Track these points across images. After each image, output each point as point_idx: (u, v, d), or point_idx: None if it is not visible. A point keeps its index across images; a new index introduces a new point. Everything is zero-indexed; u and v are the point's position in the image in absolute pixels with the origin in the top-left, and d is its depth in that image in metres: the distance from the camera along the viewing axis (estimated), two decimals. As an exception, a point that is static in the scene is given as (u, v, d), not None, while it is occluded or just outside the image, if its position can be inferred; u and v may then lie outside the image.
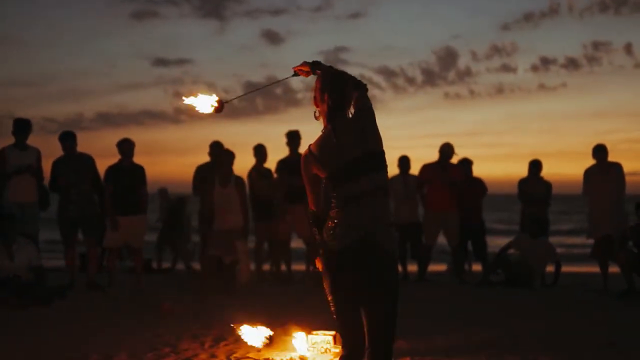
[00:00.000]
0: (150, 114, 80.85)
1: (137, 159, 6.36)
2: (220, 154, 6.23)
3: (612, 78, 69.00)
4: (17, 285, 5.37)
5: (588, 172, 6.80)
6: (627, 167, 6.87)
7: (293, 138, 6.89)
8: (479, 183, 7.42)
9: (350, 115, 2.40)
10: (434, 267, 8.04)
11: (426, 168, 7.18)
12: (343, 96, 2.38)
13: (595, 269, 9.31)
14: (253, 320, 4.05)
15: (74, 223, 6.17)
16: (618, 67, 64.62)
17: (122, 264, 7.71)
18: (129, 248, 6.83)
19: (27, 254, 5.63)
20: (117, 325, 4.63)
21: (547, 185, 7.36)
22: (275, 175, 6.97)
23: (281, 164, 6.97)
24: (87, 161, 6.28)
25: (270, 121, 78.27)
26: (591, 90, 72.57)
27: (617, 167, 6.73)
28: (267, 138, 57.19)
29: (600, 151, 6.73)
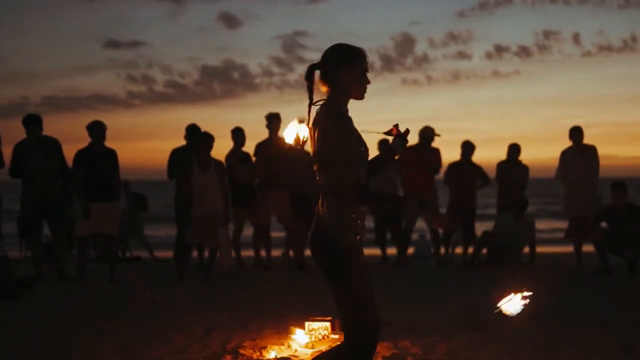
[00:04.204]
0: (102, 98, 78.49)
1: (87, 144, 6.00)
2: (201, 138, 5.99)
3: (562, 66, 71.60)
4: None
5: (564, 154, 6.92)
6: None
7: (273, 121, 6.71)
8: (477, 169, 7.35)
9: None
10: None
11: (405, 151, 7.11)
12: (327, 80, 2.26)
13: (558, 249, 9.74)
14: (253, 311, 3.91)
15: (39, 210, 5.82)
16: (567, 56, 67.10)
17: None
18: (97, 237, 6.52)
19: (-10, 245, 5.28)
20: (97, 317, 4.39)
21: (525, 168, 7.45)
22: (254, 159, 6.79)
23: (260, 147, 6.79)
24: (53, 145, 5.92)
25: (228, 106, 77.37)
26: (542, 78, 74.99)
27: (592, 149, 6.87)
28: (225, 123, 56.48)
29: (576, 133, 6.85)
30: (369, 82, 2.30)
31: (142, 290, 5.21)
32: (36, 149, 5.80)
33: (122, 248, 9.08)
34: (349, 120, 2.25)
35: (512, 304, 2.45)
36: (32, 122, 5.83)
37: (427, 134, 7.10)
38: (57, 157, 5.89)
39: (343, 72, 2.24)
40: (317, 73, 2.28)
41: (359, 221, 2.26)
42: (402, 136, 2.35)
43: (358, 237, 2.27)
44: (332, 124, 2.20)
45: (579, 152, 6.82)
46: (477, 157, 7.39)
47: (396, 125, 2.36)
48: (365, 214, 2.30)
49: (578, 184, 6.79)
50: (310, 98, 2.28)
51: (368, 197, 2.26)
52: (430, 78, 72.46)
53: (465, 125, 72.57)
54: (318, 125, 2.24)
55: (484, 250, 7.09)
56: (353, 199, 2.20)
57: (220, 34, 78.76)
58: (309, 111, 2.27)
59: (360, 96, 2.30)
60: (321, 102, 2.28)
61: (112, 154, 6.04)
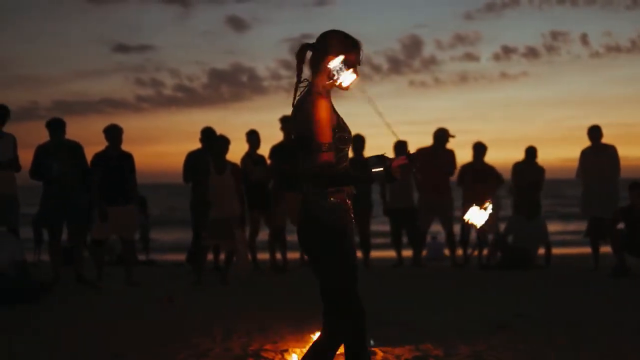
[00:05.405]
0: (111, 102, 78.76)
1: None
2: (217, 141, 6.01)
3: (570, 67, 71.09)
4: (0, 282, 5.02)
5: (584, 153, 6.89)
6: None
7: (288, 123, 6.71)
8: (491, 170, 7.33)
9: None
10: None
11: (419, 153, 7.10)
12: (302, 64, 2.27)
13: (567, 250, 9.77)
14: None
15: (60, 213, 5.85)
16: (575, 57, 66.69)
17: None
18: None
19: (9, 249, 5.31)
20: (118, 321, 4.40)
21: (541, 170, 7.43)
22: (269, 162, 6.80)
23: (275, 149, 6.80)
24: (75, 149, 5.95)
25: (236, 109, 77.48)
26: (550, 79, 74.57)
27: (611, 148, 6.83)
28: (233, 126, 56.58)
29: (594, 132, 6.81)
30: (357, 75, 2.28)
31: (164, 296, 5.21)
32: (58, 152, 5.83)
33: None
34: (326, 106, 2.22)
35: (477, 215, 2.37)
36: (55, 126, 5.87)
37: (442, 135, 7.08)
38: (79, 160, 5.92)
39: (333, 58, 2.23)
40: (309, 54, 2.28)
41: (343, 202, 2.23)
42: (386, 165, 2.17)
43: (345, 218, 2.24)
44: (310, 107, 2.19)
45: (598, 152, 6.78)
46: (485, 158, 7.36)
47: (409, 156, 2.19)
48: (350, 194, 2.27)
49: (597, 183, 6.75)
50: (299, 77, 2.27)
51: (333, 179, 2.20)
52: (438, 80, 72.23)
53: (473, 126, 72.26)
54: (297, 107, 2.24)
55: (498, 252, 7.07)
56: (317, 181, 2.17)
57: (228, 37, 78.97)
58: (295, 90, 2.27)
59: (345, 87, 2.28)
60: (305, 84, 2.27)
61: (129, 157, 6.07)
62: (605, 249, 6.88)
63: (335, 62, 2.20)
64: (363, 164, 2.26)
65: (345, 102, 2.43)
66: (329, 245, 2.21)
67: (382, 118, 2.23)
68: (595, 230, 6.78)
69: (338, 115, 2.26)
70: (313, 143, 2.15)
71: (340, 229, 2.23)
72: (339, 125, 2.23)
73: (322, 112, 2.18)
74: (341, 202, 2.23)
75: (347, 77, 2.23)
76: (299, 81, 2.27)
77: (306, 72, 2.30)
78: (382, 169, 2.15)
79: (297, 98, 2.27)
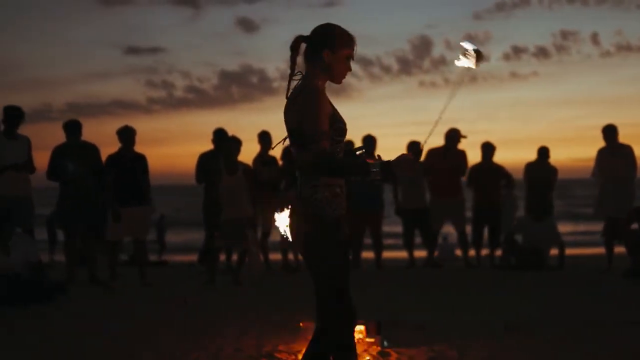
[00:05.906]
0: (122, 104, 79.47)
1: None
2: (228, 142, 6.04)
3: (580, 67, 70.58)
4: (15, 283, 5.08)
5: (600, 152, 6.83)
6: (593, 152, 6.86)
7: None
8: (500, 170, 7.31)
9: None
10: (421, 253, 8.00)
11: (431, 153, 7.10)
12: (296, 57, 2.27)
13: (576, 251, 9.72)
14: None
15: (77, 214, 5.89)
16: (585, 56, 66.20)
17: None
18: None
19: (24, 249, 5.36)
20: (131, 321, 4.43)
21: (553, 170, 7.38)
22: (280, 163, 6.82)
23: (287, 151, 6.81)
24: (91, 150, 6.01)
25: (245, 110, 77.75)
26: (560, 79, 74.08)
27: (628, 148, 6.77)
28: (243, 127, 56.77)
29: (610, 131, 6.75)
30: (350, 70, 2.28)
31: (172, 293, 5.25)
32: (74, 153, 5.88)
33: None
34: (322, 96, 2.22)
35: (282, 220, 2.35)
36: (72, 127, 5.94)
37: (453, 135, 7.06)
38: (94, 161, 5.97)
39: (327, 52, 2.24)
40: (304, 46, 2.28)
41: (337, 194, 2.22)
42: (384, 165, 2.14)
43: (338, 213, 2.23)
44: (305, 100, 2.19)
45: (614, 151, 6.71)
46: (495, 159, 7.33)
47: (414, 147, 2.24)
48: (344, 186, 2.26)
49: (613, 183, 6.69)
50: (292, 69, 2.27)
51: (332, 167, 2.17)
52: (448, 80, 71.96)
53: (483, 126, 71.94)
54: (292, 100, 2.24)
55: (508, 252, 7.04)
56: (317, 170, 2.15)
57: (237, 38, 79.36)
58: (289, 82, 2.27)
59: (338, 81, 2.29)
60: (299, 77, 2.27)
61: (142, 158, 6.11)
62: (621, 249, 6.83)
63: (469, 45, 2.25)
64: (350, 152, 2.28)
65: (347, 103, 2.44)
66: (323, 239, 2.20)
67: (439, 116, 2.22)
68: (610, 231, 6.73)
69: (333, 107, 2.26)
70: (311, 132, 2.14)
71: (335, 223, 2.22)
72: (335, 117, 2.23)
73: (320, 101, 2.19)
74: (335, 196, 2.23)
75: (466, 63, 2.27)
76: (292, 73, 2.27)
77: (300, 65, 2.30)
78: (378, 162, 2.14)
79: (291, 90, 2.27)
